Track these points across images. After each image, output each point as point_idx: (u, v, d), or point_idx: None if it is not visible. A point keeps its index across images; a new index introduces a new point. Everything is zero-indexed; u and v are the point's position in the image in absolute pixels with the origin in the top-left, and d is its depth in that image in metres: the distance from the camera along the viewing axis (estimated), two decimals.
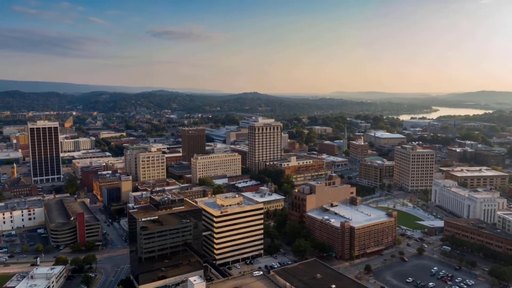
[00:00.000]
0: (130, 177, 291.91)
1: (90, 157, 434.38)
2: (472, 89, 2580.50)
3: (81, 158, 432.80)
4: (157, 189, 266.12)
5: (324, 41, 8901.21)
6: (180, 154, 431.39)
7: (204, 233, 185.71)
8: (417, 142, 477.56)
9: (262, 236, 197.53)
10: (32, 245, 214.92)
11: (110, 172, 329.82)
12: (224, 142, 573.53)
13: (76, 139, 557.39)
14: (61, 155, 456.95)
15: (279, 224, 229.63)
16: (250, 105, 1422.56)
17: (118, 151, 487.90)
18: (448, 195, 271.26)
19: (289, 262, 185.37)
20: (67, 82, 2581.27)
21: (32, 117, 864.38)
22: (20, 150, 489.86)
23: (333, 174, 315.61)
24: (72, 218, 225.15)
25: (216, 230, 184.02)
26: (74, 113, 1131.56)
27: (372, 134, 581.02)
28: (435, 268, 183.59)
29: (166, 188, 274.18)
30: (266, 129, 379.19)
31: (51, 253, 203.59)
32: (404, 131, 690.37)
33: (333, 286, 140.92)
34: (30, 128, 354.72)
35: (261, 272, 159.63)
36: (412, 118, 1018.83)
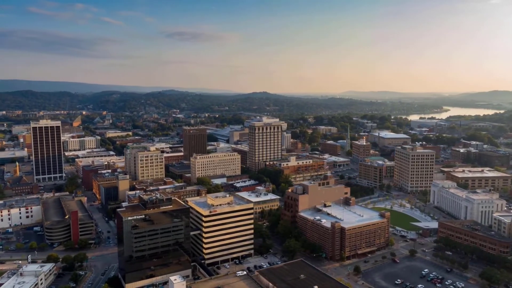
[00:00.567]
0: (127, 176, 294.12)
1: (94, 156, 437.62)
2: (485, 89, 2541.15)
3: (85, 157, 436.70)
4: (151, 188, 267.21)
5: (333, 40, 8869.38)
6: (182, 154, 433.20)
7: (193, 233, 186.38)
8: (420, 142, 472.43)
9: (252, 236, 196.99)
10: (26, 243, 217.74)
11: (109, 171, 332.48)
12: (227, 141, 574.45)
13: (82, 138, 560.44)
14: (66, 154, 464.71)
15: (272, 224, 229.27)
16: (259, 104, 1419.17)
17: (122, 150, 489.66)
18: (446, 196, 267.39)
19: (279, 262, 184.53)
20: (79, 82, 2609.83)
21: (42, 116, 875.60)
22: (26, 149, 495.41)
23: (328, 174, 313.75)
24: (66, 217, 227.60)
25: (205, 230, 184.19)
26: (84, 112, 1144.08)
27: (376, 134, 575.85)
28: (426, 270, 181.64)
29: (162, 187, 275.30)
30: (267, 129, 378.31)
31: (45, 251, 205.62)
32: (410, 131, 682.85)
33: (315, 287, 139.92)
34: (33, 127, 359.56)
35: (245, 272, 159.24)
36: (421, 118, 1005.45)
